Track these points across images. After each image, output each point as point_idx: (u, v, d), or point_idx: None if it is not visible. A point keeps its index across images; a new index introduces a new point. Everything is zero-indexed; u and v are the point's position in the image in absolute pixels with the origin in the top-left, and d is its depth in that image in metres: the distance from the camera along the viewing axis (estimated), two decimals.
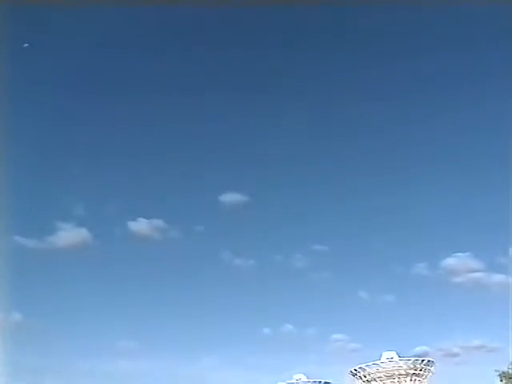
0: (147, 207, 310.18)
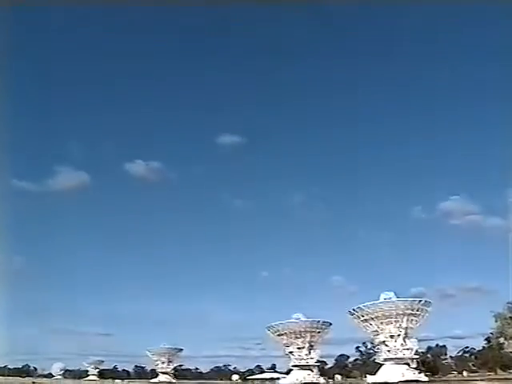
0: (145, 149, 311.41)
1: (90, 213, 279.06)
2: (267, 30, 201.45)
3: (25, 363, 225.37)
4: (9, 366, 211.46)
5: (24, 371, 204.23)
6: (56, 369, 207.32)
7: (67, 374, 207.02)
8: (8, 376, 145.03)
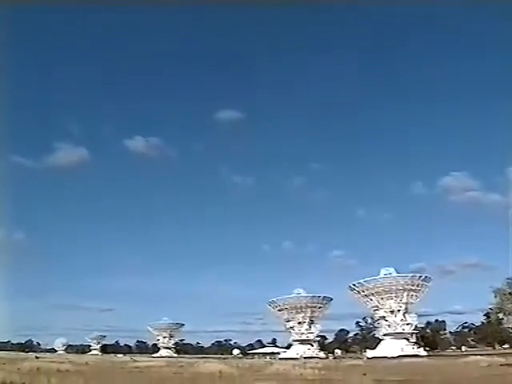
0: (144, 125, 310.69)
1: (90, 189, 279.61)
2: (271, 4, 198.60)
3: (28, 338, 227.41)
4: (12, 341, 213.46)
5: (27, 346, 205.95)
6: (59, 344, 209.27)
7: (70, 348, 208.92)
8: (11, 351, 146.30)
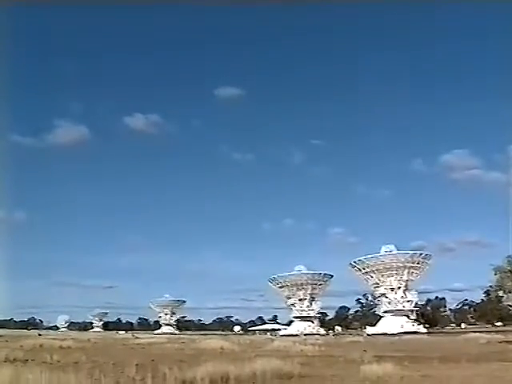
0: (143, 102, 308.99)
1: (90, 167, 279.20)
2: None
3: (30, 316, 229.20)
4: (15, 319, 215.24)
5: (30, 324, 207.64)
6: (61, 321, 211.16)
7: (72, 326, 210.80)
8: (14, 329, 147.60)
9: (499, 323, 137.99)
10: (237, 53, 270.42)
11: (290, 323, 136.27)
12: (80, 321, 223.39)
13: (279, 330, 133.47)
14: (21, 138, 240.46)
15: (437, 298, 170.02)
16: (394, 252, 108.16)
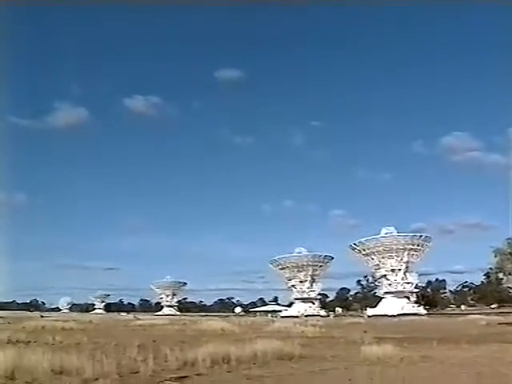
0: (142, 84, 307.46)
1: (90, 149, 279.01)
2: None
3: (33, 298, 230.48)
4: (17, 301, 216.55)
5: (32, 305, 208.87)
6: (63, 303, 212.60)
7: (74, 307, 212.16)
8: (16, 310, 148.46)
9: (499, 305, 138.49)
10: (237, 35, 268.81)
11: (290, 305, 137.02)
12: (82, 302, 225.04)
13: (280, 311, 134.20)
14: (20, 120, 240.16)
15: (437, 279, 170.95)
16: (394, 234, 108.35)
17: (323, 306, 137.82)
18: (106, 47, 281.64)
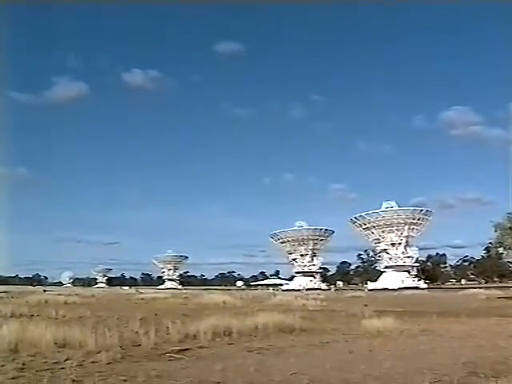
0: (141, 57, 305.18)
1: (89, 123, 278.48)
2: None
3: (35, 272, 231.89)
4: (20, 276, 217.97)
5: (35, 280, 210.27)
6: (65, 277, 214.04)
7: (76, 282, 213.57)
8: (19, 285, 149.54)
9: (499, 279, 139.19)
10: (236, 7, 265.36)
11: (291, 278, 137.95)
12: (84, 277, 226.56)
13: (281, 284, 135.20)
14: (19, 94, 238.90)
15: (437, 254, 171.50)
16: (394, 208, 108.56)
17: (324, 279, 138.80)
18: (104, 21, 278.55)
